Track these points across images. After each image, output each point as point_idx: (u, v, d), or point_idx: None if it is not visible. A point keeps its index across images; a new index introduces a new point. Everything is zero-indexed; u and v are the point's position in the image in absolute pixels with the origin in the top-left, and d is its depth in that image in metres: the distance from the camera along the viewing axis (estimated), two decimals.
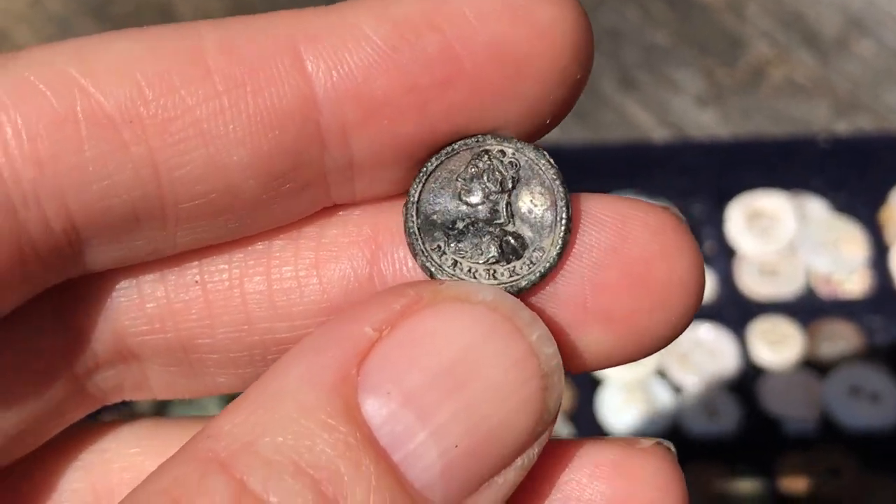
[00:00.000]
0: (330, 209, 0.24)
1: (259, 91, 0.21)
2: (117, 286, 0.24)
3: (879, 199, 0.65)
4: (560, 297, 0.23)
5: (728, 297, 0.63)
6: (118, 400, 0.26)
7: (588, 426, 0.60)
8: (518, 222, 0.23)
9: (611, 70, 0.74)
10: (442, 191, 0.23)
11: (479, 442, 0.20)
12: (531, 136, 0.23)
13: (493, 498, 0.21)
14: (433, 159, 0.23)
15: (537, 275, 0.22)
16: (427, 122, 0.22)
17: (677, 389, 0.61)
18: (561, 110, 0.22)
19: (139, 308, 0.24)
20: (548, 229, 0.23)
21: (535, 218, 0.23)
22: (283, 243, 0.24)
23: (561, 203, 0.22)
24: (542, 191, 0.23)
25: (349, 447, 0.19)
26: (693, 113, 0.72)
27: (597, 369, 0.24)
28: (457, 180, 0.23)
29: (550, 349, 0.21)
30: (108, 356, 0.24)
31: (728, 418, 0.60)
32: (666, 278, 0.22)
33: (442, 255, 0.23)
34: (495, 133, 0.23)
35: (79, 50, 0.21)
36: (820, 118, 0.71)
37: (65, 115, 0.20)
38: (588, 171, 0.66)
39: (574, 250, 0.23)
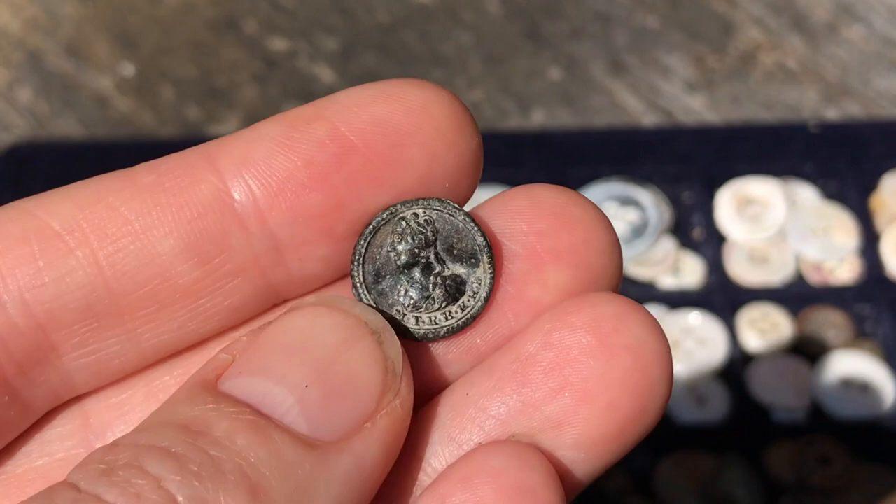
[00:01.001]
0: (281, 305, 0.27)
1: (177, 189, 0.25)
2: None
3: (870, 186, 0.65)
4: (517, 256, 0.26)
5: (717, 284, 0.63)
6: (57, 402, 0.27)
7: None
8: (450, 265, 0.26)
9: (600, 54, 0.73)
10: (379, 264, 0.26)
11: (331, 385, 0.23)
12: (451, 197, 0.26)
13: (369, 442, 0.23)
14: (361, 241, 0.26)
15: (482, 300, 0.26)
16: (332, 193, 0.25)
17: None
18: (460, 175, 0.26)
19: None
20: (475, 261, 0.26)
21: (461, 256, 0.26)
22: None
23: (477, 236, 0.26)
24: (458, 232, 0.26)
25: (208, 402, 0.23)
26: (683, 98, 0.71)
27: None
28: (388, 251, 0.26)
29: (373, 316, 0.24)
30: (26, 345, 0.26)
31: (717, 406, 0.59)
32: (579, 217, 0.25)
33: (403, 318, 0.26)
34: (403, 200, 0.26)
35: (38, 196, 0.25)
36: (810, 104, 0.71)
37: (21, 235, 0.25)
38: (577, 157, 0.66)
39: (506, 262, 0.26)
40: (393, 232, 0.26)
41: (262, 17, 0.77)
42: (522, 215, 0.26)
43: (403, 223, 0.26)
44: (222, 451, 0.22)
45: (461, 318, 0.26)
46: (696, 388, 0.60)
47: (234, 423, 0.22)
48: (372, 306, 0.26)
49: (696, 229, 0.65)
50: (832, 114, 0.70)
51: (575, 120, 0.70)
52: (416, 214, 0.26)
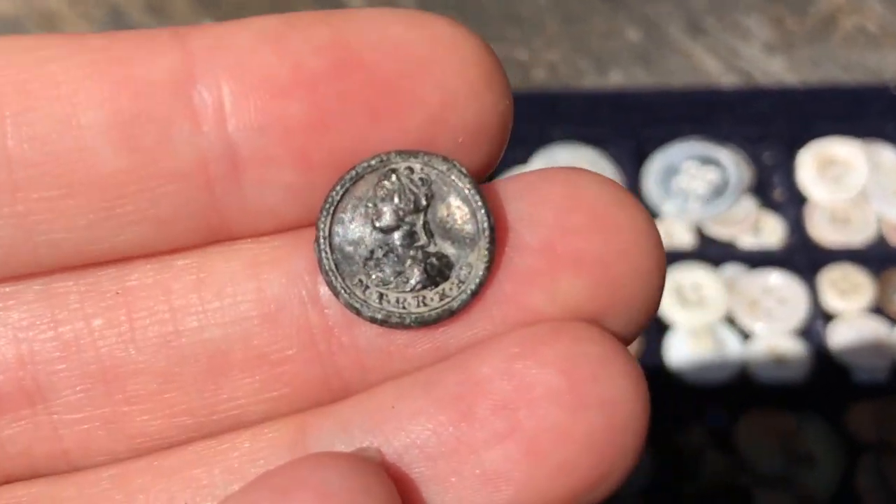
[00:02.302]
0: (225, 243, 0.22)
1: (126, 58, 0.20)
2: (17, 299, 0.22)
3: None
4: (528, 245, 0.21)
5: (798, 245, 0.62)
6: (27, 471, 0.22)
7: (655, 371, 0.59)
8: (439, 241, 0.21)
9: (678, 15, 0.73)
10: (353, 220, 0.21)
11: None
12: (461, 160, 0.21)
13: None
14: (337, 188, 0.21)
15: (468, 293, 0.21)
16: (317, 107, 0.20)
17: (746, 336, 0.60)
18: (478, 133, 0.21)
19: (50, 326, 0.22)
20: (472, 243, 0.21)
21: (455, 233, 0.21)
22: (189, 261, 0.22)
23: (480, 213, 0.21)
24: (459, 203, 0.21)
25: None
26: (762, 60, 0.71)
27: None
28: (366, 206, 0.21)
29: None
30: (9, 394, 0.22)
31: (797, 365, 0.59)
32: (624, 222, 0.20)
33: (365, 290, 0.21)
34: (400, 150, 0.21)
35: None
36: (891, 67, 0.70)
37: None
38: (654, 116, 0.65)
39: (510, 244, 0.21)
40: (379, 184, 0.21)
41: None
42: (551, 202, 0.21)
43: (394, 177, 0.21)
44: None
45: (436, 308, 0.21)
46: (775, 348, 0.60)
47: None
48: (332, 271, 0.21)
49: (776, 190, 0.64)
50: None
51: (652, 80, 0.70)
52: (411, 169, 0.21)
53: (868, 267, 0.62)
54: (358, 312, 0.21)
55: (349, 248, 0.21)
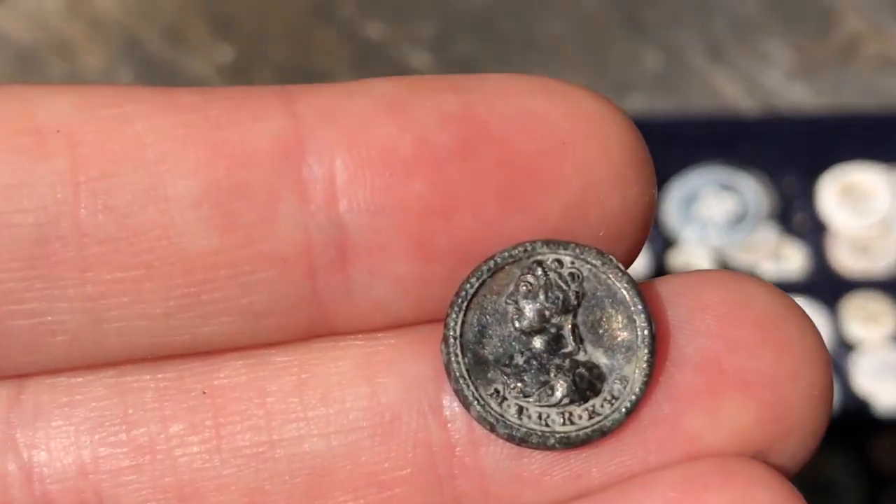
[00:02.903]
0: (328, 337, 0.19)
1: (225, 120, 0.17)
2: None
3: None
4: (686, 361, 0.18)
5: (819, 272, 0.62)
6: None
7: None
8: (589, 348, 0.19)
9: (699, 41, 0.73)
10: (489, 318, 0.19)
11: None
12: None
13: None
14: (472, 279, 0.18)
15: (622, 412, 0.18)
16: (443, 187, 0.17)
17: None
18: (623, 223, 0.18)
19: (120, 428, 0.19)
20: (628, 353, 0.18)
21: (609, 341, 0.19)
22: (289, 358, 0.19)
23: (640, 317, 0.18)
24: (615, 305, 0.19)
25: None
26: (782, 86, 0.70)
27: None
28: (507, 303, 0.19)
29: None
30: None
31: None
32: (796, 338, 0.18)
33: (502, 403, 0.18)
34: (547, 239, 0.18)
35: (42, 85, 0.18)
36: None
37: None
38: (674, 143, 0.65)
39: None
40: (521, 278, 0.18)
41: (357, 1, 0.78)
42: (714, 311, 0.18)
43: (540, 270, 0.18)
44: None
45: (585, 428, 0.18)
46: None
47: None
48: (463, 377, 0.18)
49: (797, 216, 0.64)
50: None
51: (672, 107, 0.70)
52: (559, 262, 0.18)
53: (891, 295, 0.61)
54: (492, 428, 0.18)
55: (484, 352, 0.19)
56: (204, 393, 0.18)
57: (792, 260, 0.62)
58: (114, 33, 0.78)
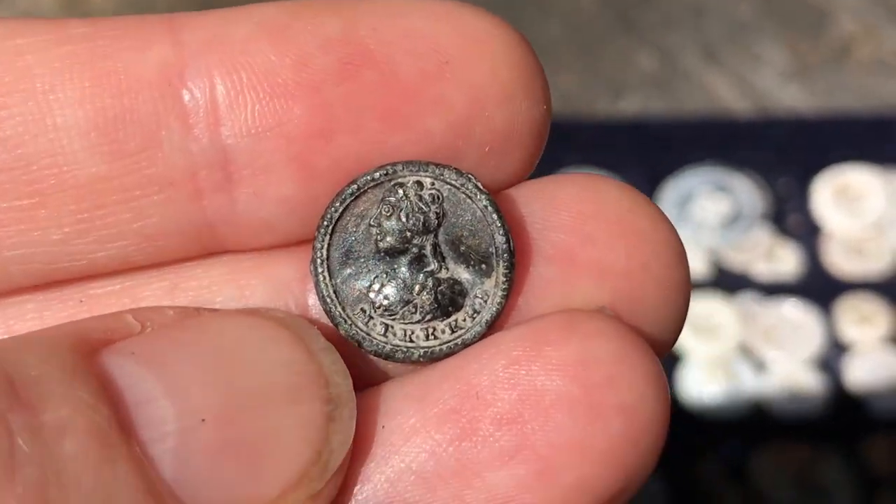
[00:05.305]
0: (216, 257, 0.19)
1: (111, 50, 0.17)
2: None
3: None
4: (548, 252, 0.19)
5: (814, 274, 0.62)
6: None
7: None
8: (451, 265, 0.19)
9: (693, 43, 0.73)
10: (353, 239, 0.19)
11: (234, 437, 0.16)
12: (487, 171, 0.19)
13: None
14: (336, 203, 0.18)
15: (483, 324, 0.18)
16: (321, 110, 0.18)
17: (760, 367, 0.59)
18: (510, 142, 0.18)
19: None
20: (487, 268, 0.19)
21: (470, 257, 0.19)
22: (166, 280, 0.19)
23: (497, 235, 0.18)
24: (474, 222, 0.19)
25: (67, 368, 0.16)
26: (776, 88, 0.70)
27: None
28: (371, 225, 0.19)
29: (343, 380, 0.17)
30: None
31: (812, 397, 0.58)
32: (647, 232, 0.18)
33: (369, 322, 0.19)
34: (407, 161, 0.18)
35: None
36: None
37: None
38: (668, 144, 0.65)
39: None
40: (383, 200, 0.19)
41: None
42: (570, 209, 0.18)
43: (400, 191, 0.19)
44: (34, 446, 0.15)
45: (448, 342, 0.19)
46: (790, 379, 0.59)
47: (78, 418, 0.15)
48: (331, 297, 0.19)
49: (791, 217, 0.64)
50: None
51: (666, 108, 0.70)
52: (419, 184, 0.19)
53: (884, 296, 0.61)
54: (360, 345, 0.19)
55: (349, 271, 0.19)
56: (81, 301, 0.19)
57: (786, 261, 0.62)
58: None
